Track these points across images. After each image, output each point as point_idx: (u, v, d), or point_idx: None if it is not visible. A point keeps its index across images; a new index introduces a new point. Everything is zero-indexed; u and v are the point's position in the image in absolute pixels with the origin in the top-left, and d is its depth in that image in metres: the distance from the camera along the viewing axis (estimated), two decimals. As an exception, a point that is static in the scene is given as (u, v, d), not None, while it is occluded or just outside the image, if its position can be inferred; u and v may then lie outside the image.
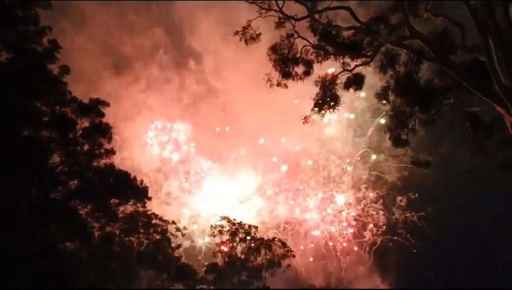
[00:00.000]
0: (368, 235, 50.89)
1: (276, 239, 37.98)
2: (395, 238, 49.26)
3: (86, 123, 24.87)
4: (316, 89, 19.26)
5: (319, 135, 51.74)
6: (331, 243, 51.19)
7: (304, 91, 20.68)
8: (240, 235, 36.41)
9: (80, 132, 24.79)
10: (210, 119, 54.61)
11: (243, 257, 36.01)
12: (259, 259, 36.12)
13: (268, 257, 36.06)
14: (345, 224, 51.71)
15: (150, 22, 52.30)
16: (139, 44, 52.67)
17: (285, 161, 53.96)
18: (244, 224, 37.32)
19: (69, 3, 39.29)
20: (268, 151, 53.66)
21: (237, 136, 54.27)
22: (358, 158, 51.85)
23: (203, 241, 48.33)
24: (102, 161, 25.53)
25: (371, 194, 51.61)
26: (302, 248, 50.79)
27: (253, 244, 36.29)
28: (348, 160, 52.40)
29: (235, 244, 36.33)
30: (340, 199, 52.56)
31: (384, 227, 50.51)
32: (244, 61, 45.21)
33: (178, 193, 52.46)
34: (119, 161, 26.77)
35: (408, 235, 48.73)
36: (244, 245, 36.35)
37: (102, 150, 25.20)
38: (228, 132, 54.35)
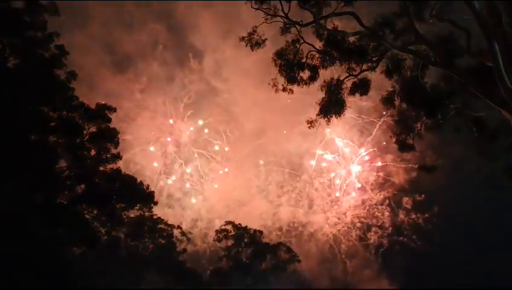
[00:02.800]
0: (373, 237, 50.52)
1: (282, 244, 37.88)
2: (401, 238, 49.08)
3: (93, 128, 25.08)
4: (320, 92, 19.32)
5: (323, 135, 51.27)
6: (335, 246, 50.91)
7: (306, 89, 20.58)
8: (245, 240, 36.40)
9: (87, 136, 24.99)
10: (212, 119, 54.05)
11: (248, 261, 35.98)
12: (264, 264, 36.07)
13: (273, 262, 36.03)
14: (350, 226, 51.40)
15: (149, 18, 51.60)
16: (139, 41, 52.02)
17: (288, 161, 53.40)
18: (250, 229, 37.29)
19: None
20: (271, 152, 53.19)
21: (239, 135, 54.01)
22: (365, 159, 51.49)
23: (206, 245, 48.00)
24: (109, 166, 25.71)
25: (377, 196, 51.25)
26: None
27: (258, 249, 36.23)
28: (353, 161, 52.10)
29: (240, 249, 36.31)
30: (345, 201, 52.20)
31: (390, 229, 50.25)
32: (246, 59, 44.77)
33: (179, 195, 52.16)
34: (121, 163, 26.66)
35: (414, 236, 48.57)
36: (249, 250, 36.30)
37: (108, 155, 25.36)
38: (230, 131, 53.99)
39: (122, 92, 50.81)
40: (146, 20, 51.27)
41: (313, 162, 52.83)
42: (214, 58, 52.30)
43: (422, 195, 49.14)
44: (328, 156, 52.42)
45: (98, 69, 49.13)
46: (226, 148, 54.02)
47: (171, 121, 53.38)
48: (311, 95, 20.29)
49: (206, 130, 53.97)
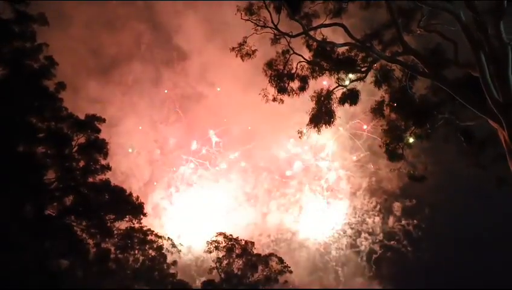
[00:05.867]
0: (365, 244, 49.99)
1: (273, 255, 37.62)
2: (393, 243, 48.81)
3: (81, 139, 24.83)
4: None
5: (314, 140, 50.03)
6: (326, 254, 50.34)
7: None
8: (237, 251, 36.12)
9: (76, 147, 24.75)
10: (198, 123, 53.28)
11: (239, 273, 35.70)
12: (256, 275, 35.79)
13: (265, 273, 35.78)
14: (340, 233, 50.91)
15: (133, 18, 50.94)
16: (122, 42, 50.94)
17: (277, 167, 52.53)
18: (241, 239, 37.01)
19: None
20: (259, 157, 52.41)
21: (226, 140, 53.15)
22: (356, 164, 51.25)
23: (193, 256, 47.05)
24: (98, 177, 25.43)
25: (369, 202, 50.94)
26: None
27: (249, 261, 35.96)
28: (344, 166, 51.74)
29: (231, 260, 36.02)
30: (337, 207, 51.68)
31: (381, 235, 49.87)
32: (233, 62, 43.79)
33: (166, 203, 51.09)
34: (108, 172, 26.11)
35: (405, 241, 48.44)
36: (241, 261, 36.01)
37: (97, 166, 25.10)
38: (217, 135, 53.07)
39: (105, 96, 49.14)
40: (129, 19, 50.36)
41: (302, 168, 52.46)
42: (199, 61, 51.27)
43: (414, 200, 48.97)
44: (319, 162, 52.16)
45: (80, 71, 47.68)
46: (214, 153, 53.33)
47: (156, 126, 52.47)
48: (301, 100, 20.41)
49: (192, 134, 53.18)
